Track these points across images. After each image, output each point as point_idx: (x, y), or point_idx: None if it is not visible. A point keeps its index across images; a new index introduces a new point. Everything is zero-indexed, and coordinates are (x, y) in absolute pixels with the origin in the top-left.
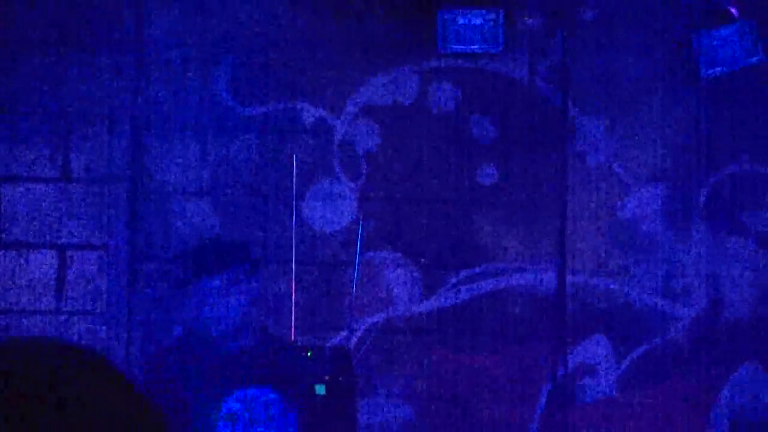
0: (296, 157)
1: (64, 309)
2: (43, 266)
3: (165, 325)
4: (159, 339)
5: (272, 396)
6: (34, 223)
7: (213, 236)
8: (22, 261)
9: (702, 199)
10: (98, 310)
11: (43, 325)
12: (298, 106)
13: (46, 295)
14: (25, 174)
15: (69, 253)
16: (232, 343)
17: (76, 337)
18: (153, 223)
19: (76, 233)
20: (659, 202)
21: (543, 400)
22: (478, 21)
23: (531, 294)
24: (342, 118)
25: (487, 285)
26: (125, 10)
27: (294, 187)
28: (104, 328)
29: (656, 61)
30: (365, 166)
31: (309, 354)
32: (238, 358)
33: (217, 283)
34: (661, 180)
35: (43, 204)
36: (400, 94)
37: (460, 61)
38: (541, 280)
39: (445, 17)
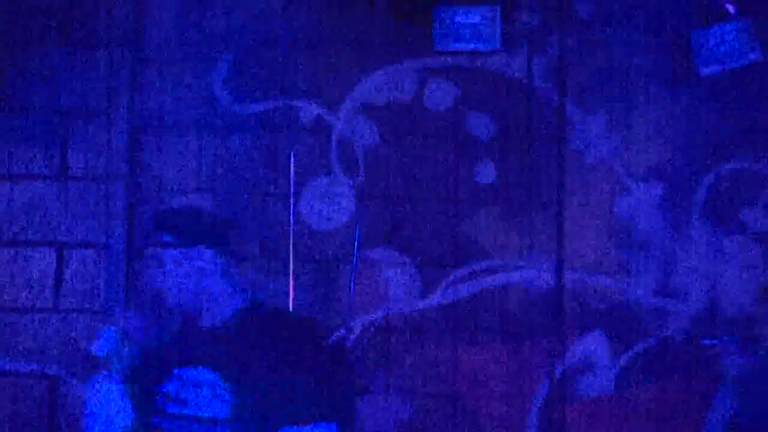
0: (294, 155)
1: (62, 307)
2: (41, 264)
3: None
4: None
5: (207, 377)
6: (32, 221)
7: (186, 206)
8: (19, 259)
9: (700, 196)
10: (96, 308)
11: (41, 322)
12: (296, 104)
13: (43, 293)
14: (23, 171)
15: (67, 251)
16: (203, 320)
17: (74, 335)
18: (150, 221)
19: (73, 231)
20: (657, 199)
21: (541, 397)
22: (476, 19)
23: (529, 291)
24: (340, 115)
25: (485, 282)
26: (123, 7)
27: (292, 185)
28: (102, 325)
29: (654, 59)
30: (363, 164)
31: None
32: (199, 335)
33: (172, 250)
34: (659, 178)
35: (41, 202)
36: (397, 92)
37: (457, 59)
38: (539, 278)
39: (443, 15)
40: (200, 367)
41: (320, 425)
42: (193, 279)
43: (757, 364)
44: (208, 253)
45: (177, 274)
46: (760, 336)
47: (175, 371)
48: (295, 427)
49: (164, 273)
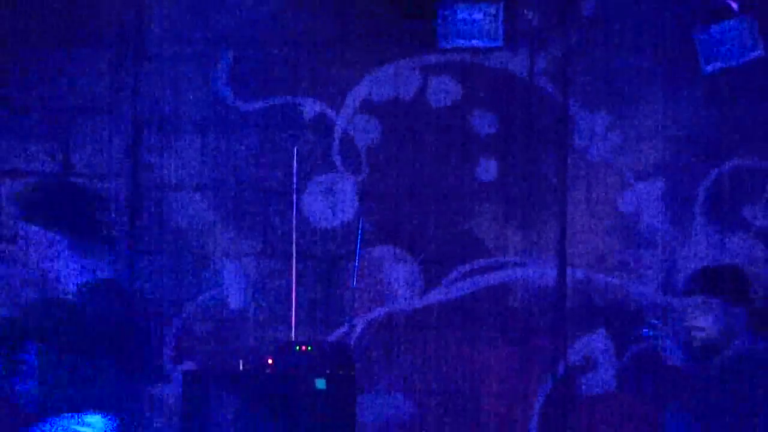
0: (296, 151)
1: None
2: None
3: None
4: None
5: (27, 353)
6: None
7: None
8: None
9: (702, 193)
10: None
11: None
12: (299, 101)
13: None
14: (26, 168)
15: None
16: (49, 294)
17: None
18: (153, 218)
19: None
20: (659, 197)
21: (543, 393)
22: (479, 16)
23: (531, 288)
24: (342, 112)
25: (488, 280)
26: (126, 7)
27: (294, 181)
28: None
29: (657, 57)
30: (365, 161)
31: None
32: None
33: (25, 227)
34: (661, 175)
35: None
36: (400, 88)
37: (460, 56)
38: (542, 275)
39: (446, 12)
40: (33, 342)
41: (95, 414)
42: (38, 255)
43: (690, 356)
44: (54, 233)
45: (27, 249)
46: (693, 328)
47: (27, 343)
48: (70, 414)
49: (17, 247)
